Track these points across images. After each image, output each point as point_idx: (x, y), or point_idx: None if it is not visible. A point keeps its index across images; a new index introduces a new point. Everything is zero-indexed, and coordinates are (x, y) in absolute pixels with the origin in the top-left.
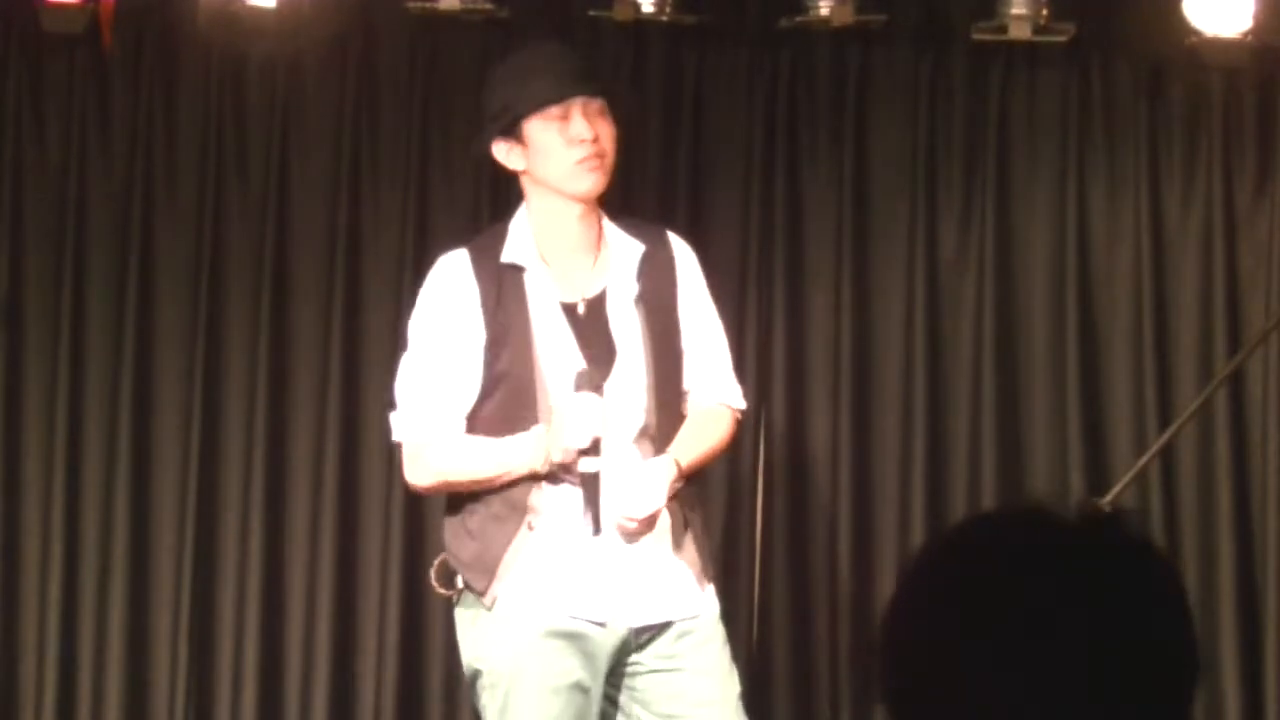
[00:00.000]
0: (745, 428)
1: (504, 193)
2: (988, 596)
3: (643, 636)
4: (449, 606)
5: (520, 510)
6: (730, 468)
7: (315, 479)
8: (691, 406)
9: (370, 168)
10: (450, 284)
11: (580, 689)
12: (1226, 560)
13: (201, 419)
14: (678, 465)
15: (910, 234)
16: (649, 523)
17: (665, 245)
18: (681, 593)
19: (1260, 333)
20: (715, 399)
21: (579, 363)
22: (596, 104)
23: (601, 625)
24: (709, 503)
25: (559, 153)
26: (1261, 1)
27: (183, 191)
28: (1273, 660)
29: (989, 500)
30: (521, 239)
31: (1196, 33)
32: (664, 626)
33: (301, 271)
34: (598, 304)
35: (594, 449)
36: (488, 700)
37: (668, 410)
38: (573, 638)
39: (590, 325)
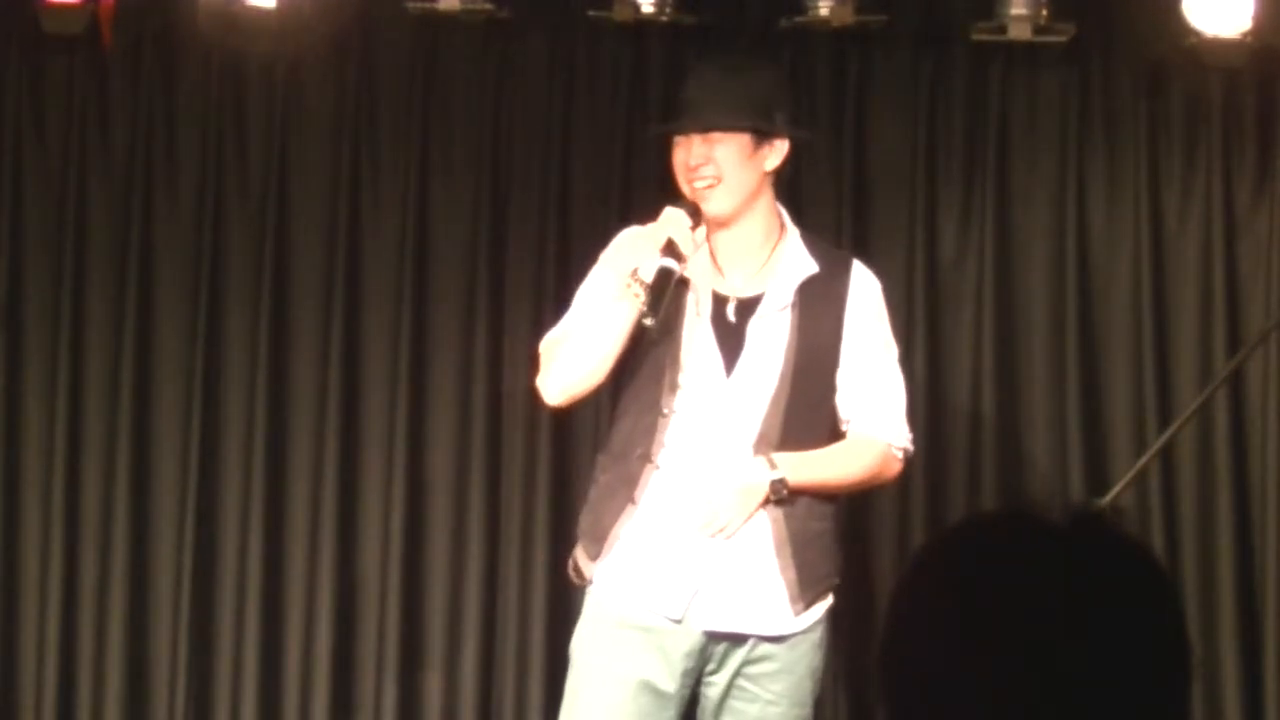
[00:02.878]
0: None
1: (504, 193)
2: (981, 601)
3: (718, 645)
4: (448, 606)
5: (630, 485)
6: None
7: (315, 479)
8: (849, 436)
9: (370, 168)
10: (616, 251)
11: (650, 689)
12: (1226, 560)
13: (201, 418)
14: (784, 481)
15: (910, 234)
16: (721, 530)
17: (843, 274)
18: (767, 609)
19: (1260, 333)
20: (872, 432)
21: (713, 353)
22: (715, 132)
23: (677, 622)
24: None
25: (679, 174)
26: (1261, 1)
27: (183, 191)
28: (1273, 660)
29: (989, 500)
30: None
31: (1196, 33)
32: (740, 639)
33: (301, 271)
34: (748, 306)
35: (672, 253)
36: (568, 680)
37: (798, 427)
38: (648, 632)
39: (730, 322)
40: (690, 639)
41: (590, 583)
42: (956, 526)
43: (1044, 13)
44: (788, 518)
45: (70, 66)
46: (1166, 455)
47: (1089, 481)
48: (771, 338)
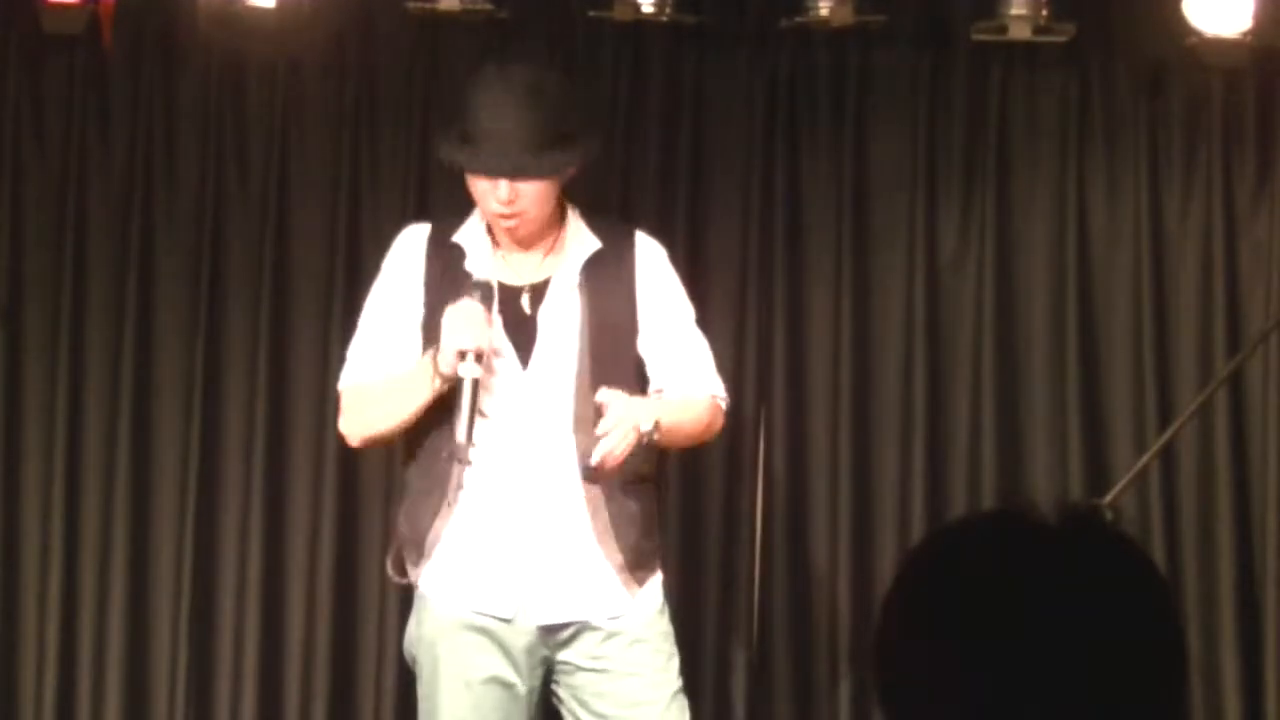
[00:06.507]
0: (745, 427)
1: None
2: (977, 600)
3: (559, 635)
4: None
5: (442, 486)
6: (730, 467)
7: (315, 479)
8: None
9: (370, 168)
10: (401, 255)
11: (501, 683)
12: (1226, 560)
13: (201, 419)
14: (658, 423)
15: (910, 234)
16: (617, 462)
17: (628, 245)
18: (599, 593)
19: (1260, 333)
20: (694, 389)
21: (505, 347)
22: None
23: (507, 621)
24: (709, 497)
25: (482, 200)
26: (1261, 1)
27: (183, 191)
28: (1273, 660)
29: (989, 500)
30: (476, 223)
31: (1196, 33)
32: (583, 626)
33: (301, 271)
34: (538, 292)
35: (477, 357)
36: (419, 689)
37: None
38: (484, 631)
39: (524, 313)
40: (527, 635)
41: (414, 584)
42: (951, 526)
43: (1044, 13)
44: (607, 500)
45: (70, 66)
46: (1166, 455)
47: (1089, 481)
48: (564, 321)
